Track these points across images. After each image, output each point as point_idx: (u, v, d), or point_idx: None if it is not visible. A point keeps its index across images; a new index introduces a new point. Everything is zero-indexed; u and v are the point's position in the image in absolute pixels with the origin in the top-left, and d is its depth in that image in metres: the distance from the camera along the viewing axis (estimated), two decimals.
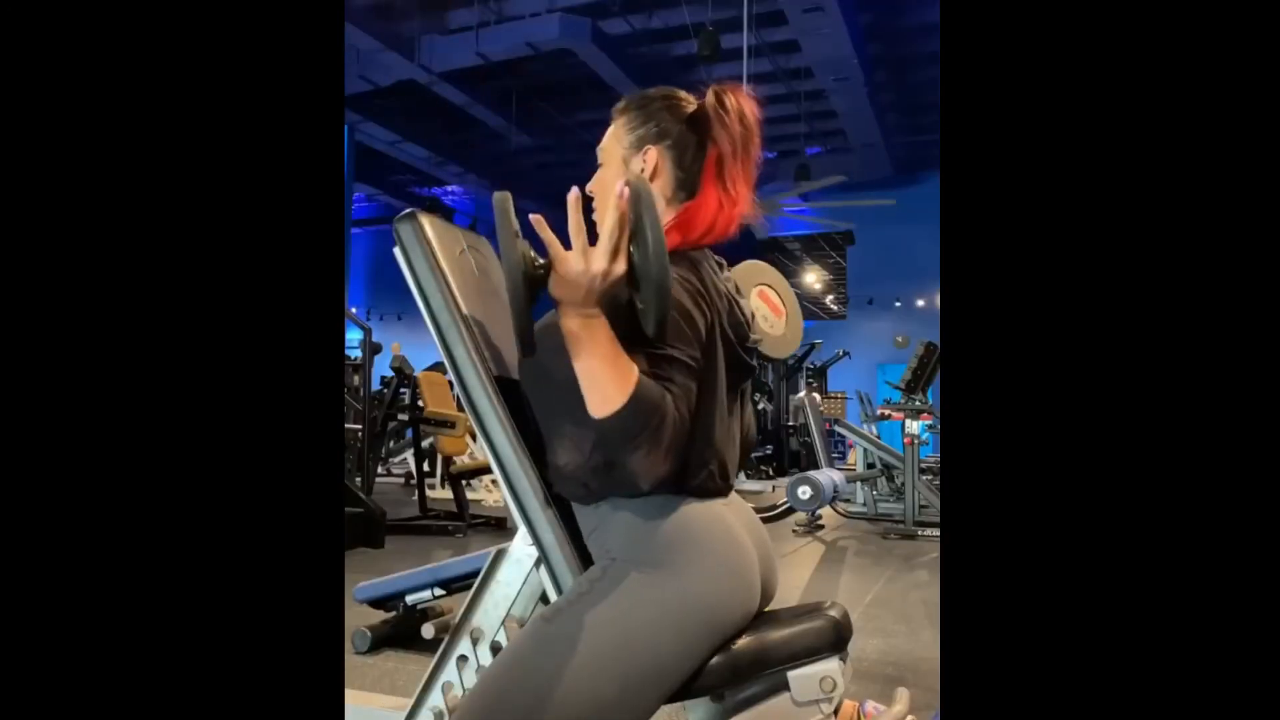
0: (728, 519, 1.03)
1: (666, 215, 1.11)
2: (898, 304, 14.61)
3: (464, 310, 1.14)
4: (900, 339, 13.96)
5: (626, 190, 0.92)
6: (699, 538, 0.99)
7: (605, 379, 0.91)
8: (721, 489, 1.06)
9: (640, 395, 0.90)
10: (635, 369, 0.92)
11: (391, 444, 8.73)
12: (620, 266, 0.93)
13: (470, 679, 1.15)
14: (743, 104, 1.11)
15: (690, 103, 1.14)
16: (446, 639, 1.17)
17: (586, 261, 0.91)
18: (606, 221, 0.93)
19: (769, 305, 1.42)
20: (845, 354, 11.57)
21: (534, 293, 0.95)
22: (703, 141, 1.11)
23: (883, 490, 6.07)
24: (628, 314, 0.96)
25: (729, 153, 1.09)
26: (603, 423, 0.91)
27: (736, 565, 1.00)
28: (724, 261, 1.15)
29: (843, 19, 9.37)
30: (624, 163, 1.14)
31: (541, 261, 0.95)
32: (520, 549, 1.13)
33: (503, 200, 0.93)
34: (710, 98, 1.11)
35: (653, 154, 1.12)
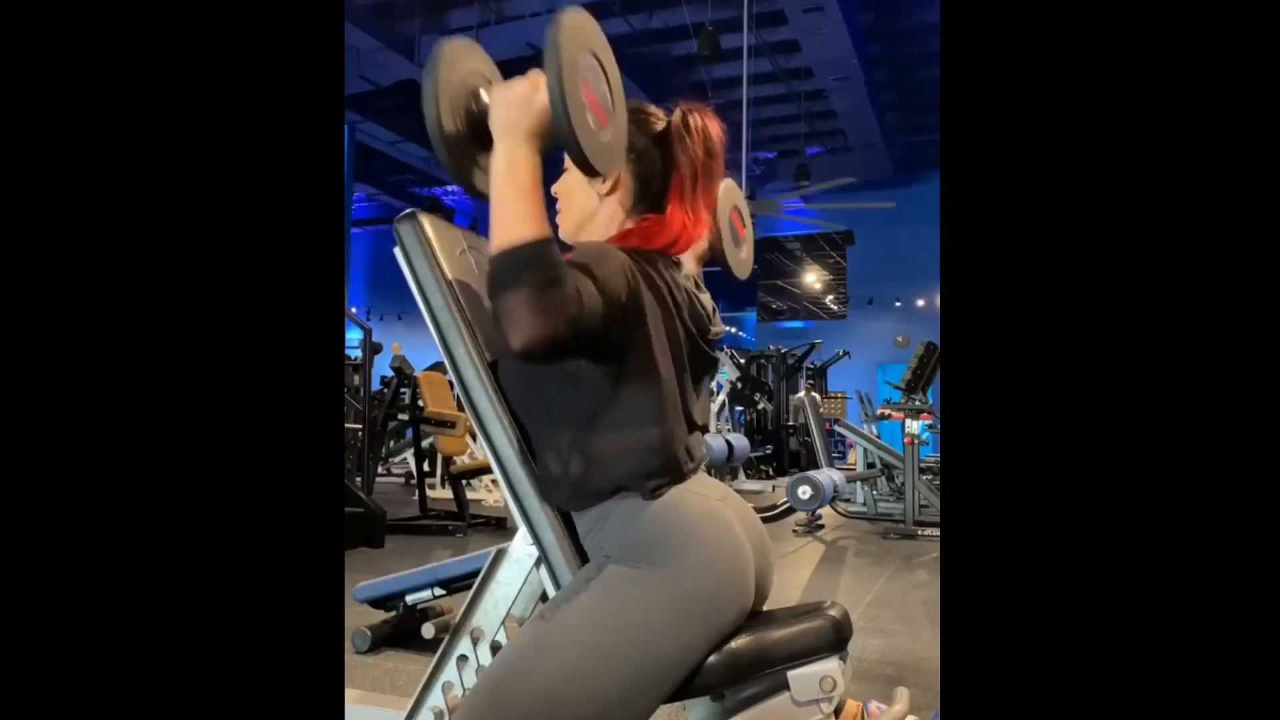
0: (724, 515, 1.04)
1: (627, 223, 1.14)
2: (898, 304, 14.60)
3: (464, 310, 1.14)
4: (900, 339, 13.94)
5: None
6: (693, 533, 0.99)
7: (516, 212, 0.91)
8: (687, 470, 1.06)
9: (545, 246, 0.90)
10: (548, 227, 0.92)
11: (391, 444, 8.72)
12: (542, 95, 0.94)
13: (470, 679, 1.15)
14: (708, 127, 1.13)
15: (659, 119, 1.16)
16: (446, 639, 1.17)
17: (514, 86, 0.95)
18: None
19: (737, 225, 1.46)
20: (845, 354, 11.56)
21: (475, 132, 0.97)
22: (668, 159, 1.13)
23: (883, 490, 6.06)
24: None
25: (689, 176, 1.11)
26: (498, 257, 0.90)
27: (731, 559, 1.00)
28: (680, 260, 1.17)
29: (843, 19, 9.37)
30: None
31: (484, 98, 0.97)
32: (520, 549, 1.13)
33: (439, 49, 0.96)
34: (676, 117, 1.13)
35: None
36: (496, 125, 0.96)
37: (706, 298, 1.18)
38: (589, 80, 0.96)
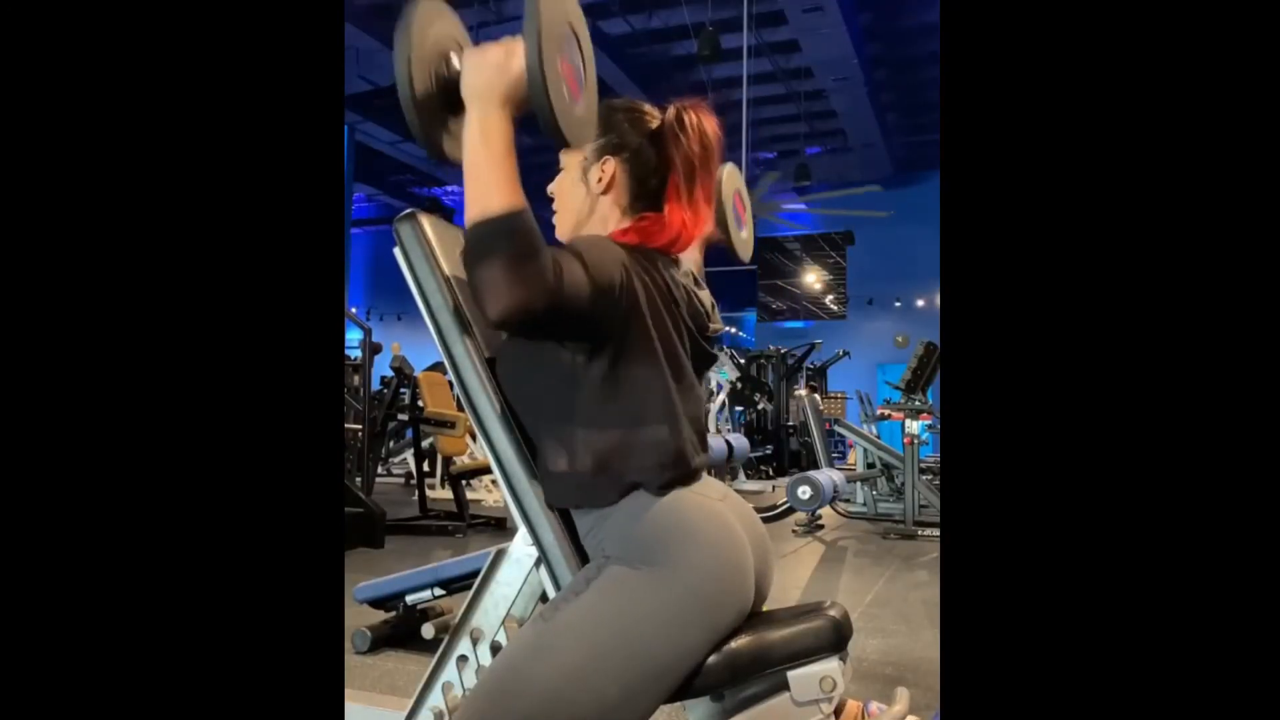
0: (724, 514, 1.04)
1: (624, 222, 1.13)
2: (898, 304, 14.60)
3: (464, 310, 1.14)
4: (900, 339, 13.95)
5: None
6: (693, 532, 0.99)
7: (491, 181, 0.90)
8: (691, 471, 1.05)
9: (520, 216, 0.89)
10: (523, 197, 0.92)
11: (391, 444, 8.72)
12: (517, 61, 0.92)
13: (470, 679, 1.15)
14: (704, 123, 1.13)
15: (654, 117, 1.16)
16: (446, 639, 1.17)
17: (488, 51, 0.94)
18: None
19: (739, 209, 1.49)
20: (845, 354, 11.55)
21: (446, 96, 0.96)
22: (663, 157, 1.13)
23: (883, 490, 6.06)
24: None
25: (686, 173, 1.11)
26: (474, 228, 0.90)
27: (730, 558, 1.00)
28: (679, 259, 1.17)
29: (843, 19, 9.37)
30: (582, 170, 1.15)
31: (456, 62, 0.96)
32: (520, 549, 1.13)
33: (410, 10, 0.94)
34: (670, 115, 1.13)
35: (610, 165, 1.13)
36: (469, 90, 0.94)
37: (705, 294, 1.18)
38: (564, 51, 0.95)
